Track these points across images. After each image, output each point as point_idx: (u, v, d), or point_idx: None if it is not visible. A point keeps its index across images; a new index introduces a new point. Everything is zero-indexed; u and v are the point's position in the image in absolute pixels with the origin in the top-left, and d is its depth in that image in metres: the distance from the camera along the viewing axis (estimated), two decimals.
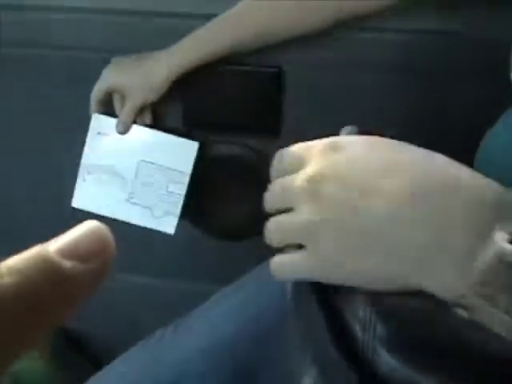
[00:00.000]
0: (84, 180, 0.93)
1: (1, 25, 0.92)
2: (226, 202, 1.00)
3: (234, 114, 0.94)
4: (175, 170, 0.91)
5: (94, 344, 1.24)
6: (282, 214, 0.46)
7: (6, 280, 0.18)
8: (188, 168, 0.91)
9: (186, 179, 0.91)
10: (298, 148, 0.47)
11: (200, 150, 0.92)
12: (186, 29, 0.84)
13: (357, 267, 0.43)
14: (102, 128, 0.90)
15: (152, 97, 0.87)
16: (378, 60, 0.87)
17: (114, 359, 0.73)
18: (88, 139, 0.91)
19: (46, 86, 0.94)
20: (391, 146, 0.45)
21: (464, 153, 0.64)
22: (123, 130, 0.90)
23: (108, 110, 0.90)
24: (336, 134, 0.90)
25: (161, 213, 0.93)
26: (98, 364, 1.23)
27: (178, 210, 0.92)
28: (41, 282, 0.19)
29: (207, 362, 0.65)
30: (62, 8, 0.91)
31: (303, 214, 0.44)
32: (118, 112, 0.90)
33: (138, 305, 1.15)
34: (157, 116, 0.94)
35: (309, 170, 0.44)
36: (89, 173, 0.92)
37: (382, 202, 0.41)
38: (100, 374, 0.69)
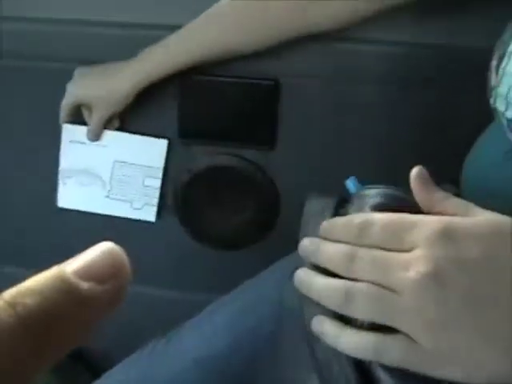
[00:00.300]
0: (65, 183, 0.99)
1: (3, 36, 0.93)
2: (223, 211, 1.00)
3: (230, 126, 0.94)
4: (149, 167, 0.96)
5: (92, 352, 1.24)
6: (385, 292, 0.42)
7: (28, 301, 0.19)
8: (160, 163, 0.96)
9: (160, 173, 0.97)
10: (394, 222, 0.44)
11: (191, 158, 0.95)
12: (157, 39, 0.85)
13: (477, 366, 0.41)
14: (73, 136, 0.95)
15: (118, 108, 0.89)
16: (375, 72, 0.88)
17: (105, 370, 0.73)
18: (62, 147, 0.96)
19: (46, 96, 0.95)
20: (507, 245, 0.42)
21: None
22: (94, 138, 0.94)
23: (77, 118, 0.93)
24: (331, 148, 0.92)
25: (140, 205, 0.99)
26: (95, 372, 1.23)
27: (156, 200, 0.98)
28: (60, 303, 0.19)
29: (202, 373, 0.65)
30: (62, 20, 0.92)
31: (417, 301, 0.41)
32: (87, 120, 0.92)
33: (135, 314, 1.15)
34: (151, 125, 0.95)
35: (422, 265, 0.41)
36: (68, 177, 0.98)
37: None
38: (98, 382, 0.70)
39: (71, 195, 0.99)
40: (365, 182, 0.54)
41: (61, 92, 0.91)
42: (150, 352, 0.69)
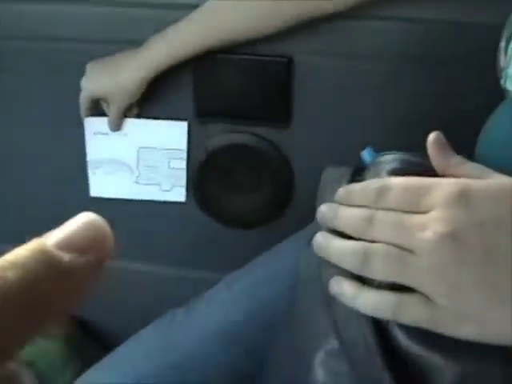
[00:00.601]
0: (94, 174, 1.01)
1: (23, 18, 0.94)
2: (238, 189, 1.01)
3: (245, 104, 0.95)
4: (172, 149, 0.98)
5: (107, 333, 1.25)
6: (402, 252, 0.43)
7: (9, 274, 0.19)
8: (183, 145, 0.98)
9: (184, 154, 0.98)
10: (411, 185, 0.45)
11: (206, 137, 0.97)
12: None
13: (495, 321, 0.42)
14: (96, 128, 0.97)
15: (132, 98, 0.90)
16: (388, 49, 0.88)
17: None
18: (87, 140, 0.98)
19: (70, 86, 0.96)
20: None
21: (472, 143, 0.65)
22: (115, 128, 0.96)
23: (98, 110, 0.95)
24: (346, 125, 0.92)
25: (169, 186, 1.01)
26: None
27: (183, 181, 1.01)
28: (42, 275, 0.19)
29: (219, 343, 0.66)
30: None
31: (435, 261, 0.42)
32: (106, 111, 0.94)
33: (149, 294, 1.16)
34: (166, 107, 0.96)
35: (439, 226, 0.42)
36: (96, 167, 1.01)
37: None
38: (112, 353, 0.71)
39: (102, 184, 1.02)
40: (380, 151, 0.54)
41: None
42: (170, 321, 0.71)
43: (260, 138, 0.96)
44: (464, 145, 0.65)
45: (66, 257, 0.20)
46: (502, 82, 0.59)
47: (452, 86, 0.89)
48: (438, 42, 0.86)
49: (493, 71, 0.61)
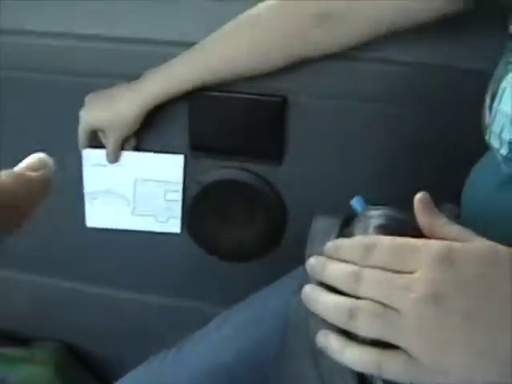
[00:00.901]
0: (91, 204, 1.03)
1: (23, 50, 0.97)
2: (231, 224, 1.03)
3: (239, 140, 0.97)
4: (168, 182, 1.01)
5: (98, 361, 1.26)
6: (387, 310, 0.45)
7: (4, 180, 0.29)
8: (179, 177, 1.00)
9: (180, 187, 1.01)
10: (398, 245, 0.47)
11: (200, 172, 1.00)
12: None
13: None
14: (93, 160, 0.99)
15: (129, 130, 0.92)
16: (381, 91, 0.90)
17: (117, 377, 0.76)
18: (84, 171, 1.00)
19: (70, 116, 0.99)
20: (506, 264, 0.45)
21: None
22: (113, 160, 0.98)
23: (96, 142, 0.97)
24: (338, 165, 0.94)
25: (164, 218, 1.03)
26: (102, 381, 1.25)
27: (179, 213, 1.03)
28: (10, 182, 0.30)
29: (210, 381, 0.68)
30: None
31: (417, 322, 0.44)
32: (104, 143, 0.96)
33: (142, 323, 1.17)
34: (162, 142, 0.99)
35: (423, 287, 0.44)
36: (93, 198, 1.03)
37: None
38: None
39: (98, 215, 1.04)
40: (369, 200, 0.57)
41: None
42: (161, 361, 0.72)
43: (253, 174, 0.99)
44: (452, 187, 0.68)
45: (27, 171, 0.31)
46: (486, 137, 0.61)
47: (446, 128, 0.91)
48: (433, 86, 0.89)
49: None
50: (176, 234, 1.04)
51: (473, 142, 0.67)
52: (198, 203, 1.02)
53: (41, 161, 0.33)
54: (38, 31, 0.96)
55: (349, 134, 0.95)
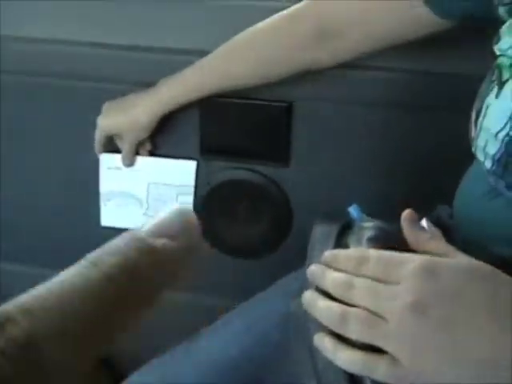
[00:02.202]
0: (105, 205, 1.08)
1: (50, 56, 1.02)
2: (238, 223, 1.08)
3: (247, 144, 1.02)
4: (181, 186, 1.05)
5: (110, 355, 1.30)
6: (375, 317, 0.50)
7: (111, 259, 0.21)
8: (191, 182, 1.05)
9: (192, 190, 1.06)
10: (386, 259, 0.52)
11: (211, 172, 1.04)
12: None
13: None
14: (110, 163, 1.05)
15: (143, 136, 0.98)
16: (384, 97, 0.94)
17: (130, 371, 0.80)
18: (100, 174, 1.06)
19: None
20: (488, 279, 0.50)
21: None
22: (128, 164, 1.03)
23: (112, 146, 1.03)
24: (341, 167, 0.98)
25: None
26: (118, 378, 1.28)
27: None
28: (139, 260, 0.22)
29: (216, 375, 0.72)
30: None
31: (400, 328, 0.49)
32: (120, 147, 1.02)
33: (153, 319, 1.21)
34: (175, 146, 1.04)
35: (406, 297, 0.49)
36: (108, 199, 1.08)
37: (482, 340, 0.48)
38: None
39: (112, 215, 1.09)
40: (364, 208, 0.62)
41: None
42: (171, 356, 0.77)
43: (260, 174, 1.03)
44: (449, 190, 0.72)
45: (159, 242, 0.22)
46: (473, 149, 0.66)
47: (451, 133, 0.94)
48: (434, 92, 0.92)
49: None
50: None
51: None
52: (208, 203, 1.06)
53: (184, 220, 0.24)
54: (59, 39, 1.02)
55: (352, 138, 0.99)
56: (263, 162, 1.03)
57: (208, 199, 1.06)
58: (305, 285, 0.57)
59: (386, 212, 0.58)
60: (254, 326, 0.75)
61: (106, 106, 0.98)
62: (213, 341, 0.76)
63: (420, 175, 0.98)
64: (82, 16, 1.01)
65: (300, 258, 0.82)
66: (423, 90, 0.93)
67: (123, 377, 0.79)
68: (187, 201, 1.06)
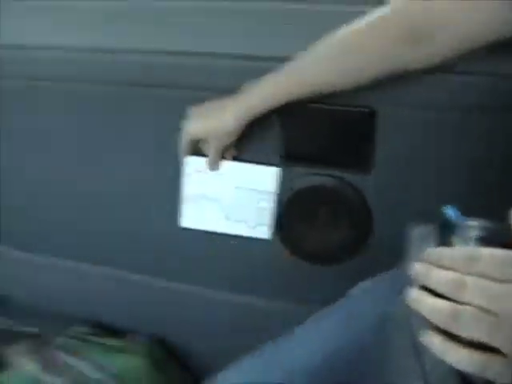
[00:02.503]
0: (187, 206, 1.11)
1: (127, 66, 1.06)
2: (319, 229, 1.08)
3: (329, 150, 1.02)
4: (262, 191, 1.06)
5: (187, 356, 1.33)
6: (493, 318, 0.49)
7: None
8: (272, 188, 1.06)
9: (273, 196, 1.07)
10: (500, 257, 0.51)
11: (292, 178, 1.05)
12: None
13: None
14: (194, 167, 1.07)
15: (229, 141, 0.99)
16: (471, 102, 0.92)
17: (205, 372, 0.81)
18: (184, 176, 1.09)
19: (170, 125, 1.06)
20: None
21: None
22: (213, 168, 1.06)
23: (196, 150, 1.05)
24: (425, 175, 0.96)
25: (254, 224, 1.09)
26: (196, 378, 1.31)
27: (269, 220, 1.09)
28: None
29: (307, 378, 0.72)
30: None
31: None
32: (206, 152, 1.04)
33: (232, 321, 1.23)
34: (257, 151, 1.05)
35: None
36: (189, 201, 1.11)
37: None
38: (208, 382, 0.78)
39: (193, 216, 1.12)
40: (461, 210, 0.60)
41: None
42: (258, 358, 0.78)
43: (341, 180, 1.03)
44: None
45: None
46: None
47: None
48: None
49: None
50: (265, 240, 1.10)
51: None
52: (289, 208, 1.07)
53: None
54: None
55: (437, 144, 0.97)
56: (344, 168, 1.02)
57: (289, 205, 1.07)
58: (398, 284, 0.55)
59: (470, 216, 0.57)
60: (346, 328, 0.75)
61: (192, 112, 1.00)
62: (303, 341, 0.76)
63: (510, 183, 0.94)
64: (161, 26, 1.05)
65: (378, 268, 0.81)
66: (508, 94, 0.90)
67: (200, 379, 0.80)
68: (267, 206, 1.08)
